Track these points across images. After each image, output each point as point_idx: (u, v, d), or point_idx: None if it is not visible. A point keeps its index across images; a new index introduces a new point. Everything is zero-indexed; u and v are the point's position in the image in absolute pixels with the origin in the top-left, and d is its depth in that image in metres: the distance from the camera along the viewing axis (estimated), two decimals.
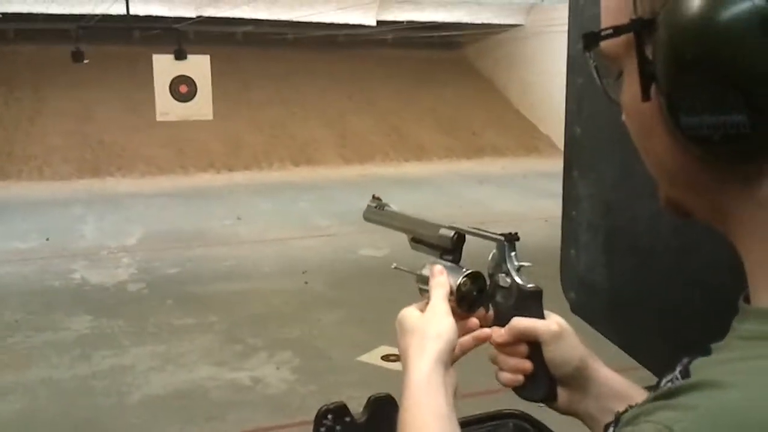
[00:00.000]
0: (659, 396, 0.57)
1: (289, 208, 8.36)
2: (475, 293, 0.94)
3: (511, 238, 0.92)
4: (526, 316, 0.90)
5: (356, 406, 1.45)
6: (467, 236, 0.98)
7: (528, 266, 0.93)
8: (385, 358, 4.40)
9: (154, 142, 10.23)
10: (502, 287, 0.92)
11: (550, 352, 0.89)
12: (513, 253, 0.92)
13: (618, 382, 0.92)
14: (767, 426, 0.51)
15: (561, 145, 1.99)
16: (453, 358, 0.90)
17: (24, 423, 3.77)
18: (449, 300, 0.92)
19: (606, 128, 1.73)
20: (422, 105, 11.83)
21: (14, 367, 4.39)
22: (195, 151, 10.38)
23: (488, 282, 0.94)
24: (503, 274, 0.92)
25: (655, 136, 0.60)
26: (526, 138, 11.74)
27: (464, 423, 1.46)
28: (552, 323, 0.89)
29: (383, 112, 11.66)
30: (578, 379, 0.92)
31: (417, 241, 1.04)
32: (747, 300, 0.61)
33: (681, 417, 0.53)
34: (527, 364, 0.90)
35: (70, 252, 6.70)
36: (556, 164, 2.07)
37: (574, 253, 1.84)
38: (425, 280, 0.97)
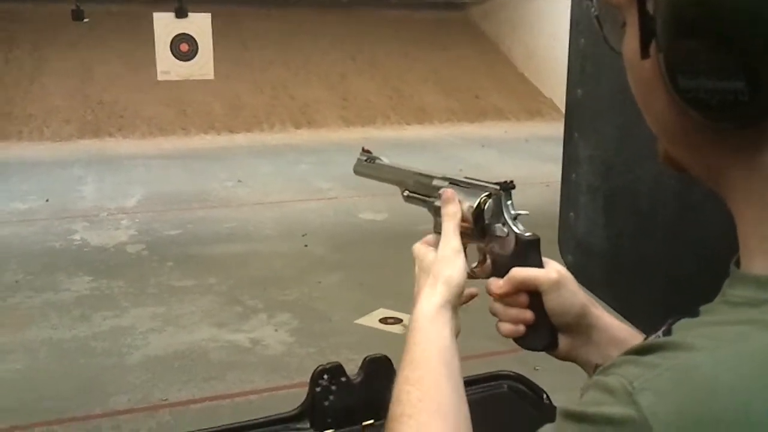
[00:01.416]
0: (632, 351, 0.57)
1: (290, 171, 8.33)
2: (491, 216, 0.92)
3: (507, 187, 0.91)
4: (524, 265, 0.89)
5: (354, 368, 1.44)
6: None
7: (525, 214, 0.91)
8: (384, 320, 4.41)
9: (155, 103, 10.17)
10: (500, 237, 0.91)
11: (550, 301, 0.89)
12: (509, 202, 0.91)
13: (618, 329, 0.92)
14: (725, 392, 0.50)
15: (563, 106, 1.96)
16: (461, 301, 0.90)
17: (25, 382, 3.80)
18: (465, 224, 0.91)
19: (608, 90, 1.70)
20: (425, 67, 11.73)
21: (15, 327, 4.40)
22: (196, 112, 10.32)
23: (485, 234, 0.92)
24: (500, 224, 0.91)
25: (655, 92, 0.59)
26: (529, 101, 11.65)
27: None
28: (552, 271, 0.89)
29: (385, 73, 11.56)
30: (579, 327, 0.91)
31: (410, 194, 1.02)
32: (738, 264, 0.61)
33: (642, 373, 0.53)
34: (528, 314, 0.90)
35: (70, 213, 6.69)
36: (559, 128, 2.05)
37: (573, 216, 1.81)
38: (439, 211, 0.95)
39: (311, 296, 4.89)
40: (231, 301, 4.80)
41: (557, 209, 2.20)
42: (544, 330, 0.90)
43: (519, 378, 1.51)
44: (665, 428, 0.50)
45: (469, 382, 1.54)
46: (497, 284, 0.91)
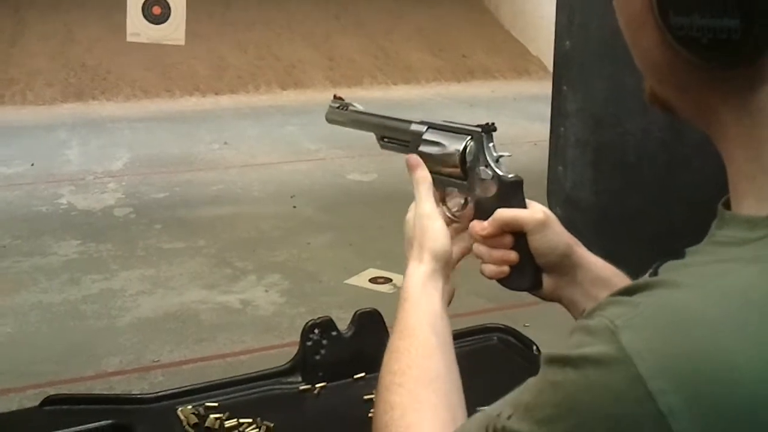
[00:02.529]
0: (617, 292, 0.57)
1: (277, 132, 8.28)
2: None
3: (489, 129, 0.91)
4: (507, 206, 0.89)
5: (344, 327, 1.45)
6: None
7: (507, 156, 0.91)
8: (373, 280, 4.42)
9: (139, 65, 10.04)
10: (483, 179, 0.90)
11: (535, 241, 0.89)
12: (491, 144, 0.90)
13: (603, 268, 0.93)
14: (708, 326, 0.50)
15: (551, 66, 1.95)
16: (452, 264, 0.91)
17: (17, 346, 3.80)
18: (447, 168, 0.92)
19: (596, 41, 1.68)
20: (411, 25, 11.63)
21: (4, 291, 4.39)
22: (180, 73, 10.20)
23: (468, 177, 0.92)
24: (483, 167, 0.90)
25: (645, 29, 0.58)
26: (516, 60, 11.59)
27: None
28: (536, 212, 0.89)
29: (371, 32, 11.46)
30: (563, 266, 0.92)
31: (388, 140, 1.01)
32: (727, 206, 0.60)
33: (626, 312, 0.53)
34: (512, 255, 0.90)
35: (55, 177, 6.64)
36: (547, 87, 2.04)
37: (561, 170, 1.82)
38: (422, 155, 0.94)
39: (300, 257, 4.90)
40: (220, 262, 4.80)
41: (544, 167, 2.20)
42: (529, 270, 0.91)
43: (508, 330, 1.53)
44: (648, 364, 0.49)
45: (460, 335, 1.56)
46: (481, 226, 0.91)
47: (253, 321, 4.05)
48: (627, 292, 0.56)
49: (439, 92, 10.31)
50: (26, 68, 9.86)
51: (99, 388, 3.30)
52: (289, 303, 4.24)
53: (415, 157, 0.94)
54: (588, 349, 0.52)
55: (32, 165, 6.94)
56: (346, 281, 4.45)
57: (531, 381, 0.58)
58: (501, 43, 11.86)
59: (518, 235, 0.89)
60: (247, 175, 6.74)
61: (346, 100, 1.09)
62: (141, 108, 9.30)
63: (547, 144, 1.87)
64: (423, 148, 0.95)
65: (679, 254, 0.62)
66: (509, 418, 0.57)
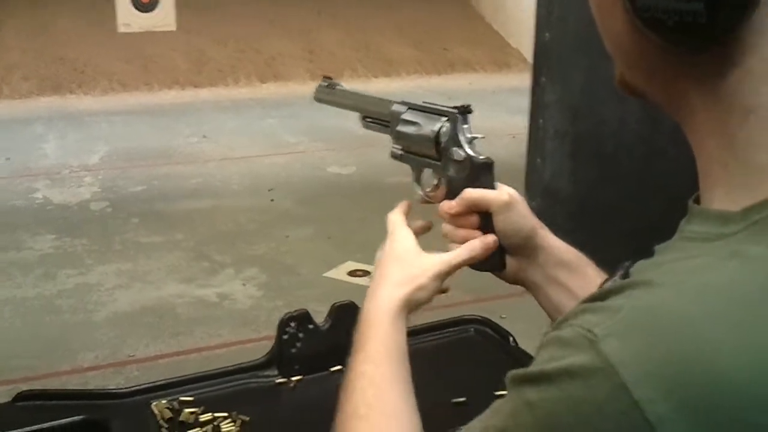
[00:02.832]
0: (588, 299, 0.54)
1: (257, 125, 8.23)
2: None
3: (464, 111, 0.92)
4: (477, 187, 0.91)
5: (321, 320, 1.44)
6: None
7: (481, 138, 0.93)
8: (352, 273, 4.41)
9: (117, 58, 9.94)
10: (455, 160, 0.92)
11: (500, 222, 0.90)
12: (465, 126, 0.92)
13: (566, 251, 0.94)
14: (693, 327, 0.47)
15: (531, 58, 1.95)
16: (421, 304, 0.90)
17: None
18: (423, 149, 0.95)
19: (575, 33, 1.68)
20: (392, 18, 11.60)
21: None
22: (159, 67, 10.11)
23: (441, 158, 0.94)
24: (456, 148, 0.92)
25: (613, 13, 0.57)
26: (496, 53, 11.59)
27: (427, 329, 1.46)
28: (503, 193, 0.90)
29: (351, 25, 11.41)
30: (527, 249, 0.93)
31: (370, 119, 1.03)
32: (698, 201, 0.59)
33: (603, 320, 0.50)
34: (476, 235, 0.91)
35: (31, 171, 6.56)
36: (527, 80, 2.03)
37: (539, 162, 1.81)
38: (398, 135, 0.98)
39: (279, 250, 4.87)
40: (198, 256, 4.77)
41: (523, 161, 2.19)
42: (494, 251, 0.91)
43: (485, 321, 1.52)
44: (631, 371, 0.47)
45: (436, 327, 1.55)
46: (449, 205, 0.92)
47: (231, 314, 4.02)
48: (599, 297, 0.53)
49: (420, 85, 10.29)
50: (2, 62, 9.72)
51: (74, 383, 3.26)
52: (266, 296, 4.21)
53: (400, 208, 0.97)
54: (565, 362, 0.49)
55: (8, 159, 6.85)
56: (324, 274, 4.44)
57: (499, 404, 0.55)
58: (481, 35, 11.86)
59: (484, 216, 0.90)
60: (226, 168, 6.70)
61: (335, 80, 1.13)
62: (119, 101, 9.20)
63: (526, 137, 1.87)
64: (401, 128, 0.97)
65: (649, 252, 0.61)
66: None
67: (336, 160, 6.83)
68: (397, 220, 0.94)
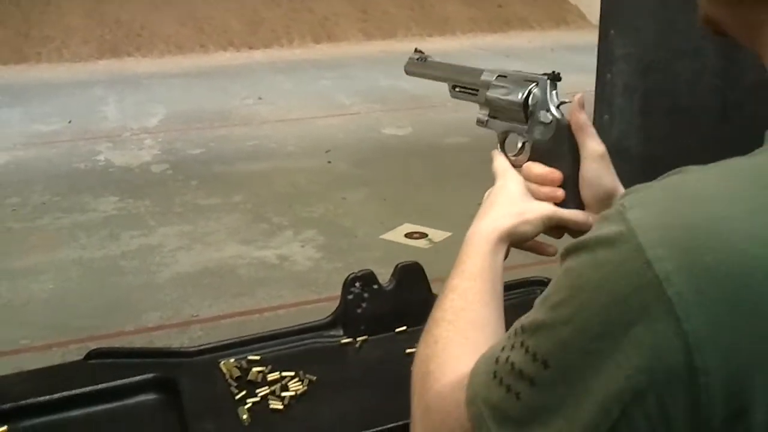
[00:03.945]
0: None
1: (311, 87, 8.22)
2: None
3: (554, 77, 0.96)
4: (564, 149, 0.93)
5: (385, 281, 1.43)
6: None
7: (569, 102, 0.94)
8: (409, 235, 4.40)
9: (173, 20, 10.01)
10: (543, 123, 0.95)
11: (588, 171, 0.91)
12: (554, 91, 0.96)
13: None
14: (707, 201, 0.52)
15: (590, 16, 1.89)
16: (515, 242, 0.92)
17: (58, 301, 3.86)
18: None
19: None
20: None
21: (45, 248, 4.45)
22: (214, 28, 10.15)
23: (528, 121, 0.97)
24: (544, 111, 0.95)
25: None
26: (554, 9, 11.32)
27: None
28: (601, 144, 0.92)
29: None
30: (606, 205, 0.94)
31: (460, 89, 1.07)
32: None
33: (636, 194, 0.56)
34: (559, 192, 0.92)
35: (93, 134, 6.68)
36: (585, 37, 1.97)
37: (607, 119, 1.76)
38: (487, 102, 1.01)
39: (336, 212, 4.89)
40: (257, 218, 4.81)
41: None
42: (572, 208, 0.94)
43: (548, 283, 1.50)
44: (648, 235, 0.52)
45: (503, 289, 1.53)
46: (538, 165, 0.95)
47: (290, 276, 4.06)
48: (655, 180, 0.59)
49: (475, 43, 10.13)
50: (61, 26, 9.88)
51: (139, 342, 3.34)
52: (325, 258, 4.24)
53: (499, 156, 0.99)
54: (599, 231, 0.55)
55: (69, 122, 6.99)
56: (381, 236, 4.44)
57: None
58: None
59: (569, 174, 0.93)
60: (282, 130, 6.72)
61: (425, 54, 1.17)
62: (175, 64, 9.29)
63: (587, 96, 1.81)
64: (490, 94, 1.01)
65: None
66: (527, 316, 0.62)
67: (391, 122, 6.80)
68: (504, 164, 0.97)
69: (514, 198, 0.92)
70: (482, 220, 0.90)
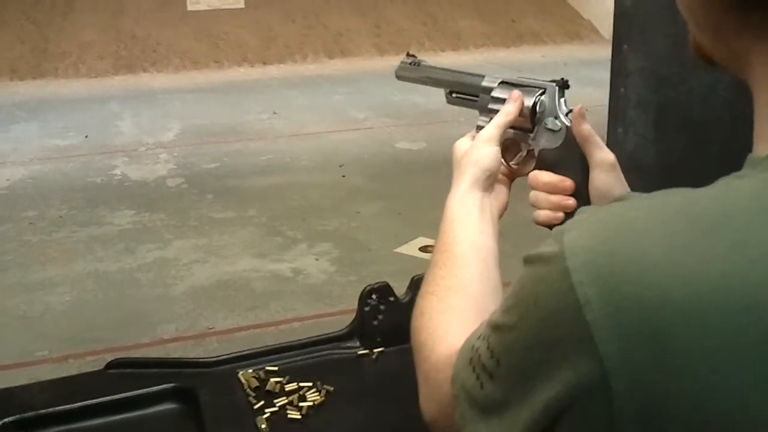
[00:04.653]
0: None
1: (325, 102, 8.27)
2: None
3: (563, 85, 0.95)
4: (573, 158, 0.92)
5: (400, 294, 1.44)
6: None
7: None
8: (423, 249, 4.41)
9: (187, 36, 10.11)
10: (551, 130, 0.94)
11: (598, 180, 0.91)
12: (563, 99, 0.95)
13: None
14: (638, 230, 0.53)
15: (603, 31, 1.91)
16: (496, 181, 0.95)
17: (75, 313, 3.90)
18: (519, 117, 0.95)
19: None
20: None
21: (62, 260, 4.50)
22: (228, 44, 10.24)
23: (534, 129, 0.95)
24: (552, 118, 0.94)
25: None
26: (567, 24, 11.35)
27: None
28: (611, 153, 0.93)
29: None
30: None
31: (457, 95, 1.04)
32: None
33: (581, 217, 0.58)
34: (570, 201, 0.92)
35: (109, 149, 6.75)
36: (598, 51, 1.99)
37: (621, 132, 1.77)
38: (486, 109, 0.98)
39: (350, 226, 4.91)
40: (271, 231, 4.84)
41: (598, 133, 2.15)
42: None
43: None
44: (576, 259, 0.54)
45: None
46: (545, 173, 0.94)
47: (304, 289, 4.08)
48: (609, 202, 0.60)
49: (488, 58, 10.17)
50: (78, 41, 10.00)
51: (155, 354, 3.36)
52: (339, 271, 4.26)
53: (518, 93, 0.96)
54: (543, 248, 0.58)
55: (86, 137, 7.06)
56: (395, 250, 4.45)
57: None
58: (551, 6, 11.63)
59: (579, 182, 0.92)
60: (296, 144, 6.76)
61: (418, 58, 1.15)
62: (190, 79, 9.37)
63: (599, 109, 1.83)
64: (493, 103, 0.98)
65: None
66: (494, 312, 0.64)
67: (404, 136, 6.82)
68: (505, 111, 0.96)
69: (461, 151, 0.94)
70: (448, 196, 0.93)
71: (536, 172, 0.95)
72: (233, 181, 5.82)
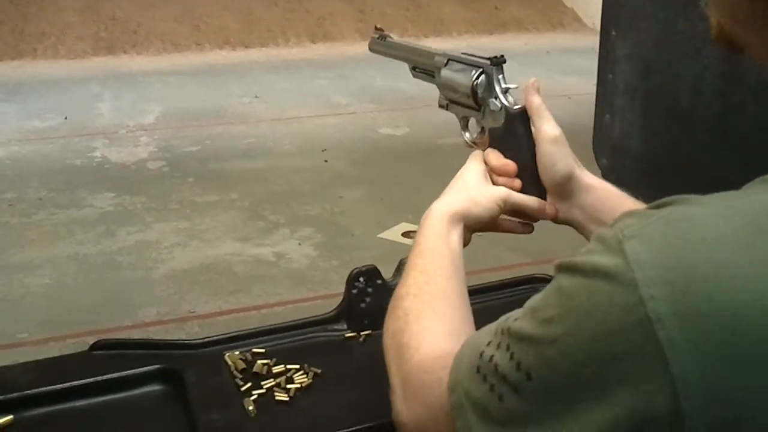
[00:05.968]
0: (647, 207, 0.60)
1: (307, 86, 8.22)
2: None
3: (498, 62, 0.97)
4: (516, 136, 0.94)
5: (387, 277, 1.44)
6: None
7: (514, 88, 0.96)
8: (406, 234, 4.42)
9: (169, 18, 10.00)
10: (492, 111, 0.96)
11: (543, 155, 0.93)
12: (500, 76, 0.96)
13: (606, 193, 0.97)
14: (711, 242, 0.51)
15: (586, 19, 1.91)
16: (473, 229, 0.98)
17: (55, 296, 3.87)
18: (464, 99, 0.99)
19: None
20: None
21: (41, 243, 4.45)
22: (209, 27, 10.14)
23: (481, 108, 0.98)
24: (492, 99, 0.96)
25: None
26: (550, 12, 11.36)
27: (497, 286, 1.45)
28: (556, 128, 0.94)
29: None
30: (567, 190, 0.96)
31: (418, 70, 1.08)
32: None
33: (635, 222, 0.55)
34: (516, 183, 0.96)
35: (89, 131, 6.68)
36: (580, 39, 1.99)
37: (608, 119, 1.78)
38: (443, 86, 1.03)
39: (333, 211, 4.90)
40: (253, 216, 4.82)
41: (579, 121, 2.15)
42: (533, 193, 0.96)
43: (550, 280, 1.51)
44: (645, 272, 0.51)
45: (502, 286, 1.55)
46: (495, 153, 0.98)
47: (287, 273, 4.07)
48: (653, 206, 0.58)
49: (471, 44, 10.14)
50: (57, 22, 9.86)
51: (137, 337, 3.34)
52: (321, 256, 4.25)
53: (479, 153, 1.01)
54: (596, 257, 0.55)
55: (66, 118, 6.97)
56: (378, 235, 4.46)
57: (545, 288, 0.62)
58: None
59: (522, 162, 0.94)
60: (278, 128, 6.73)
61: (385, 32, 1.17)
62: (171, 61, 9.27)
63: (583, 98, 1.83)
64: (442, 80, 1.02)
65: None
66: (516, 319, 0.62)
67: (387, 122, 6.81)
68: (476, 154, 1.00)
69: (468, 183, 0.95)
70: (437, 202, 0.94)
71: (487, 151, 0.98)
72: (215, 165, 5.79)
